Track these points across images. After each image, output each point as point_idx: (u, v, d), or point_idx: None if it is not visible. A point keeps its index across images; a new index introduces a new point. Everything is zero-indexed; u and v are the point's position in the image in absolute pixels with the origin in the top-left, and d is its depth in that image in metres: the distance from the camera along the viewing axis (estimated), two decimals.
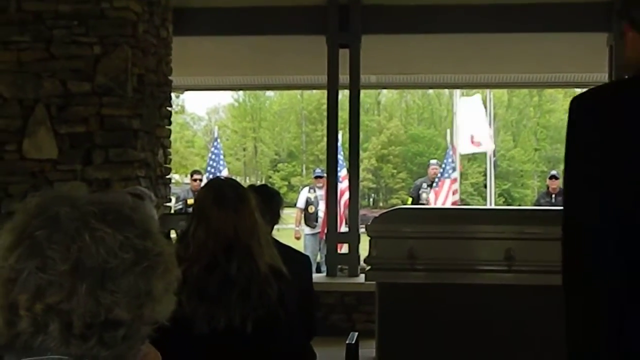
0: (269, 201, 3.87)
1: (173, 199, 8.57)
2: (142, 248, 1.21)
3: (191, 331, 2.47)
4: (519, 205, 43.49)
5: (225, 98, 61.35)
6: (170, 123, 7.25)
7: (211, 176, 11.80)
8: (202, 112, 62.08)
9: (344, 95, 8.38)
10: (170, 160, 7.38)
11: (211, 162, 12.17)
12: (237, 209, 2.72)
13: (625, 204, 1.91)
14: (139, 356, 1.26)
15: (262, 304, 2.62)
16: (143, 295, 1.21)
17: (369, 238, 6.22)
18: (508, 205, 43.57)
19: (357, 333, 3.99)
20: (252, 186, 4.20)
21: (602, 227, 1.90)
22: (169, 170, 7.27)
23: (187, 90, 11.68)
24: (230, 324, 2.56)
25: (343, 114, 8.43)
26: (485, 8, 8.24)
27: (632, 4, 2.16)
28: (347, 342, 3.83)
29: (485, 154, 14.73)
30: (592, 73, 9.46)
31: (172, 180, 7.65)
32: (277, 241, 3.50)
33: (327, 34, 8.20)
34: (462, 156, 13.45)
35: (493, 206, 12.65)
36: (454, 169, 11.86)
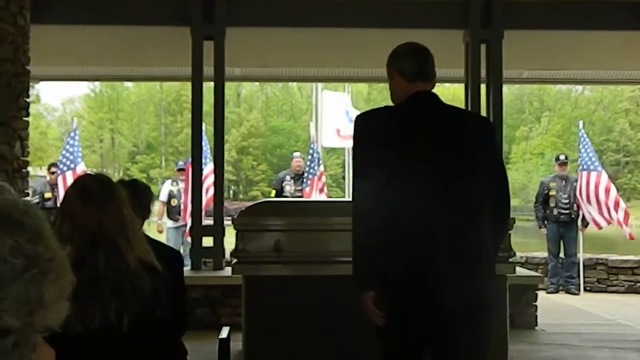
0: (140, 196, 3.82)
1: (30, 193, 8.26)
2: (32, 253, 1.18)
3: (65, 332, 2.41)
4: None
5: (81, 88, 59.76)
6: (28, 114, 6.99)
7: (66, 169, 11.38)
8: (56, 102, 60.04)
9: (206, 87, 8.33)
10: (28, 153, 7.12)
11: (67, 154, 11.67)
12: (103, 204, 2.69)
13: (389, 188, 3.12)
14: None
15: (137, 300, 2.59)
16: (34, 302, 1.17)
17: (235, 231, 6.22)
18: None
19: (229, 327, 3.99)
20: (121, 181, 4.14)
21: (374, 202, 3.13)
22: (26, 164, 7.01)
23: (43, 80, 11.27)
24: (106, 322, 2.52)
25: (205, 106, 8.37)
26: (346, 3, 8.39)
27: (398, 58, 3.51)
28: (219, 337, 3.82)
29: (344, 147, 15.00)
30: (449, 69, 9.79)
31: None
32: (147, 237, 3.46)
33: (191, 26, 8.12)
34: (322, 149, 13.60)
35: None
36: (319, 164, 12.02)
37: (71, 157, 11.86)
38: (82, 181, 2.95)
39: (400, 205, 3.15)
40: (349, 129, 12.64)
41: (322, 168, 12.15)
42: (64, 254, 1.24)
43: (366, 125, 3.34)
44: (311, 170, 11.67)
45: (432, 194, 3.17)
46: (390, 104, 3.52)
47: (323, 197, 12.03)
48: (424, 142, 3.23)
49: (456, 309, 3.12)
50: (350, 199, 3.28)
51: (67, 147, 11.94)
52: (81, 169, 12.03)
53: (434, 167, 3.18)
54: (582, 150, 11.40)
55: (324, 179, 12.14)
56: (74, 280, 1.25)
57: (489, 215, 3.24)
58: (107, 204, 2.70)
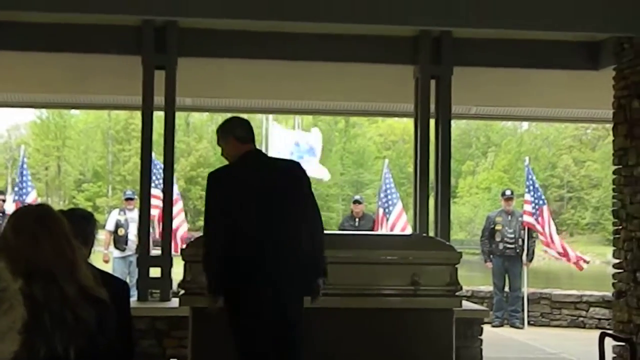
0: (85, 224, 3.78)
1: None
2: None
3: None
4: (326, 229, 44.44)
5: (27, 115, 58.86)
6: None
7: (17, 197, 11.28)
8: (1, 129, 59.07)
9: (156, 116, 8.28)
10: None
11: (20, 184, 11.67)
12: (35, 234, 2.65)
13: (229, 225, 4.80)
14: None
15: (81, 331, 2.55)
16: None
17: (183, 262, 6.17)
18: None
19: None
20: (61, 211, 4.08)
21: (218, 233, 4.83)
22: None
23: None
24: (52, 354, 2.47)
25: (154, 135, 8.31)
26: (298, 36, 8.45)
27: (234, 127, 5.15)
28: None
29: None
30: (399, 103, 9.91)
31: None
32: (93, 266, 3.42)
33: (142, 55, 8.09)
34: None
35: None
36: None
37: (23, 186, 11.80)
38: (16, 213, 2.95)
39: (240, 236, 4.80)
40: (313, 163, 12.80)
41: None
42: (16, 287, 1.23)
43: (214, 179, 5.04)
44: None
45: (262, 224, 4.85)
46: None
47: None
48: (257, 186, 4.93)
49: (288, 299, 4.95)
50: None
51: (19, 176, 11.92)
52: (32, 198, 11.94)
53: (264, 203, 4.87)
54: (531, 186, 11.61)
55: None
56: (25, 314, 1.24)
57: (306, 232, 4.97)
58: (41, 233, 2.67)
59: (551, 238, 11.49)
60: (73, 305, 2.56)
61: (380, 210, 12.47)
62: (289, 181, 5.01)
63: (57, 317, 2.52)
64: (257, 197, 4.88)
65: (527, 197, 11.55)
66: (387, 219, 12.25)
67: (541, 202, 11.51)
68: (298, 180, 5.05)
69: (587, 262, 12.16)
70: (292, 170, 5.12)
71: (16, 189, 11.58)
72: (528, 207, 11.47)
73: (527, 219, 11.41)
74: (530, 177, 11.73)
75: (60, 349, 2.49)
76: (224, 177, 5.06)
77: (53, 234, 2.68)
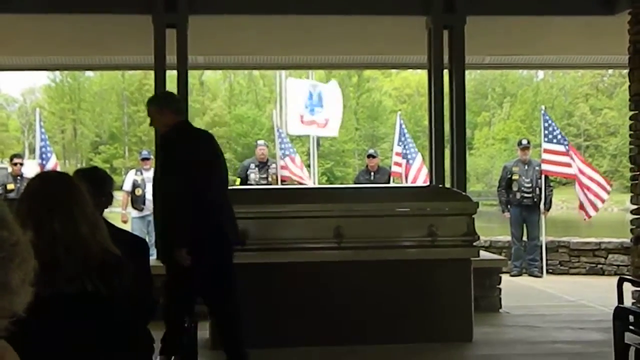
0: (102, 184, 3.81)
1: None
2: None
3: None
4: (341, 183, 44.54)
5: (41, 79, 58.98)
6: None
7: (41, 162, 11.51)
8: (16, 93, 59.19)
9: (169, 75, 8.26)
10: None
11: (41, 149, 11.94)
12: (61, 204, 2.66)
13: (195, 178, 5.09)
14: None
15: (99, 271, 2.58)
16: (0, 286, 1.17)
17: None
18: (330, 183, 44.49)
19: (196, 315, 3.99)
20: (80, 171, 4.11)
21: (187, 189, 5.05)
22: None
23: (2, 70, 11.13)
24: (71, 287, 2.51)
25: None
26: None
27: (172, 101, 5.60)
28: (185, 325, 3.83)
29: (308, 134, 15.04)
30: (412, 55, 9.84)
31: None
32: (111, 224, 3.45)
33: (153, 14, 8.05)
34: (288, 136, 13.57)
35: (321, 185, 12.92)
36: (291, 145, 12.16)
37: (43, 151, 12.06)
38: (39, 176, 2.98)
39: (205, 193, 5.17)
40: (309, 116, 12.75)
41: (293, 151, 12.28)
42: (26, 239, 1.24)
43: (194, 137, 5.47)
44: (286, 151, 11.76)
45: (219, 184, 5.41)
46: None
47: (305, 174, 12.14)
48: (211, 151, 5.44)
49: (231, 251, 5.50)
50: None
51: (41, 142, 12.16)
52: (52, 163, 12.12)
53: (217, 165, 5.44)
54: (550, 134, 11.50)
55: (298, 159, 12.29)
56: (37, 266, 1.25)
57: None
58: (63, 205, 2.68)
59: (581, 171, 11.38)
60: (87, 246, 2.59)
61: (404, 162, 12.46)
62: (219, 149, 5.59)
63: (73, 252, 2.55)
64: (214, 160, 5.43)
65: (546, 145, 11.45)
66: (408, 173, 12.25)
67: (566, 142, 11.48)
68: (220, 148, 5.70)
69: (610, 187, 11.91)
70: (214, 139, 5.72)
71: (39, 153, 11.83)
72: (547, 156, 11.39)
73: (545, 167, 11.33)
74: (547, 124, 11.61)
75: (79, 283, 2.53)
76: (200, 137, 5.53)
77: (77, 202, 2.70)
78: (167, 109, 5.40)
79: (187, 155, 5.17)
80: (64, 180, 2.85)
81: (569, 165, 11.34)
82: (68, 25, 8.76)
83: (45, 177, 2.95)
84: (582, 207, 11.40)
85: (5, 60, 10.04)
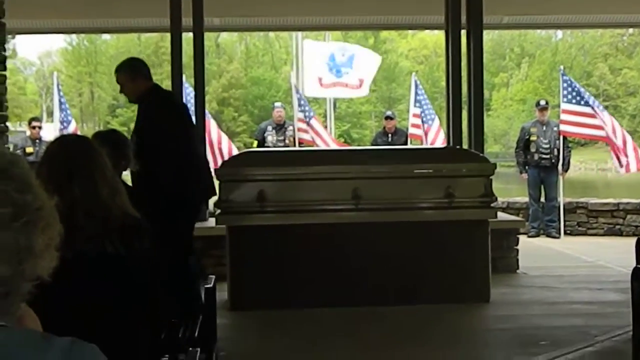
0: (121, 147, 3.83)
1: (11, 148, 8.20)
2: (21, 202, 1.18)
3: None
4: (358, 145, 44.45)
5: (58, 42, 58.90)
6: (5, 68, 6.86)
7: (61, 127, 11.62)
8: (33, 56, 59.14)
9: (185, 38, 8.24)
10: (7, 107, 7.03)
11: (61, 112, 12.03)
12: (81, 168, 2.67)
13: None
14: (18, 313, 1.23)
15: (117, 233, 2.60)
16: (23, 250, 1.18)
17: (219, 182, 6.23)
18: (348, 145, 44.41)
19: (214, 277, 4.03)
20: (99, 134, 4.14)
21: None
22: (5, 119, 6.93)
23: (19, 34, 11.12)
24: (93, 248, 2.53)
25: (184, 57, 8.29)
26: None
27: (142, 67, 5.57)
28: (205, 285, 3.86)
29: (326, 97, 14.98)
30: (429, 15, 9.76)
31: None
32: (129, 187, 3.48)
33: None
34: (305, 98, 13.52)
35: (339, 147, 12.86)
36: (310, 108, 12.15)
37: (63, 115, 12.17)
38: (58, 139, 3.00)
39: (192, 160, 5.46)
40: (331, 78, 12.70)
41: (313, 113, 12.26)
42: (52, 204, 1.25)
43: (181, 107, 5.76)
44: (306, 114, 11.74)
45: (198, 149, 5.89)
46: None
47: (326, 136, 12.12)
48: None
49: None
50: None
51: (60, 105, 12.24)
52: (72, 127, 12.21)
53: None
54: (569, 95, 11.38)
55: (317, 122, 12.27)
56: (62, 230, 1.26)
57: None
58: (81, 172, 2.69)
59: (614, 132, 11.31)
60: (107, 209, 2.61)
61: (422, 124, 12.39)
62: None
63: (92, 216, 2.57)
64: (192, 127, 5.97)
65: (565, 106, 11.33)
66: (427, 135, 12.18)
67: (596, 104, 11.39)
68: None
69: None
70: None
71: (59, 118, 11.95)
72: (566, 117, 11.28)
73: (563, 127, 11.23)
74: (567, 84, 11.48)
75: (99, 243, 2.55)
76: (175, 102, 5.90)
77: (96, 167, 2.71)
78: (140, 76, 5.47)
79: (173, 129, 5.34)
80: (84, 144, 2.85)
81: (591, 126, 11.24)
82: None
83: (65, 141, 2.95)
84: (619, 158, 11.29)
85: (22, 23, 10.02)
